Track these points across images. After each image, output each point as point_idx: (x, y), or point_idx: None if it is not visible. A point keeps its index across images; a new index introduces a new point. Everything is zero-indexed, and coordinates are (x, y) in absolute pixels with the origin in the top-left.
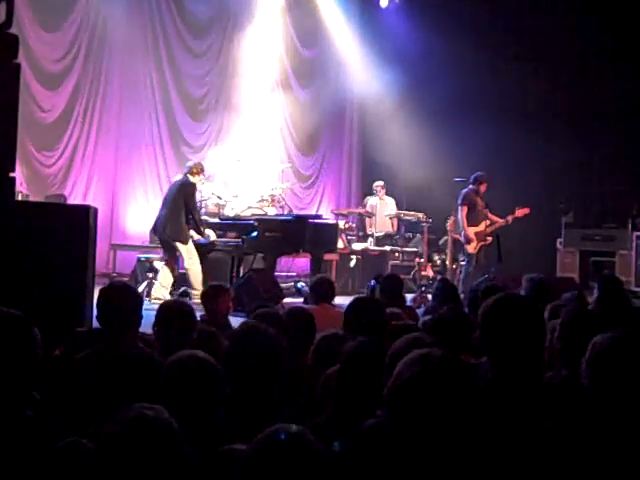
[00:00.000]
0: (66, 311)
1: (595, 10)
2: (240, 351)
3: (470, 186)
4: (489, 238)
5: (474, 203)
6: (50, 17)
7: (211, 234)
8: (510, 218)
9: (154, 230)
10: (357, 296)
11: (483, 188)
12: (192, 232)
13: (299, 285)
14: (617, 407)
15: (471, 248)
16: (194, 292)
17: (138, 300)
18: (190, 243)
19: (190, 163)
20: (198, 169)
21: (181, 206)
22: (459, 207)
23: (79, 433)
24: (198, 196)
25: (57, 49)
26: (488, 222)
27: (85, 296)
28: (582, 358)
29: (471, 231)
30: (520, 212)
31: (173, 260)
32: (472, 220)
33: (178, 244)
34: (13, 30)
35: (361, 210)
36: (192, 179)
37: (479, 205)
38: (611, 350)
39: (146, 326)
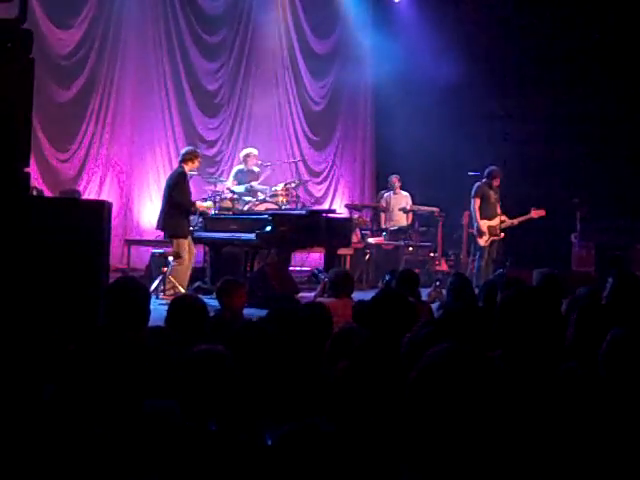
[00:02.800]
0: (81, 306)
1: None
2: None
3: (483, 180)
4: (501, 233)
5: (487, 196)
6: (62, 13)
7: (201, 206)
8: (523, 219)
9: (157, 226)
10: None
11: (496, 182)
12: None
13: (316, 271)
14: (632, 398)
15: (482, 241)
16: (182, 289)
17: (145, 295)
18: (186, 240)
19: (183, 151)
20: (190, 156)
21: (173, 199)
22: (472, 200)
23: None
24: (211, 190)
25: (70, 45)
26: (502, 217)
27: (100, 291)
28: (599, 350)
29: (484, 224)
30: (535, 213)
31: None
32: (485, 213)
33: (173, 239)
34: (27, 26)
35: (375, 204)
36: (185, 167)
37: (492, 199)
38: (628, 343)
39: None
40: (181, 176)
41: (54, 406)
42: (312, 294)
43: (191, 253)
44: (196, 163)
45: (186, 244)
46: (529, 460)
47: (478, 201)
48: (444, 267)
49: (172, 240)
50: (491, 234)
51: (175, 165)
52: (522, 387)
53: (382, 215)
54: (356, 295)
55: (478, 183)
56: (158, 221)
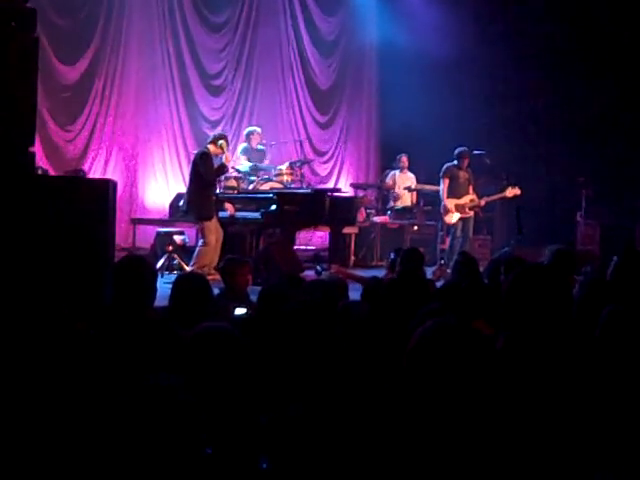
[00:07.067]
0: (87, 285)
1: None
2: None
3: (454, 162)
4: (469, 211)
5: (456, 177)
6: None
7: (230, 208)
8: (495, 197)
9: (182, 207)
10: None
11: (465, 162)
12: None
13: (319, 268)
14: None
15: (449, 219)
16: (187, 267)
17: (152, 274)
18: (213, 221)
19: (213, 133)
20: (214, 139)
21: (198, 179)
22: (440, 180)
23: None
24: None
25: (74, 24)
26: (471, 197)
27: (105, 270)
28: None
29: (450, 202)
30: (510, 192)
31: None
32: (453, 192)
33: (200, 222)
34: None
35: (380, 183)
36: (209, 148)
37: (461, 179)
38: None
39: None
40: (203, 155)
41: (64, 381)
42: (311, 273)
43: (218, 234)
44: (218, 149)
45: (212, 226)
46: (532, 438)
47: (447, 181)
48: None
49: (197, 221)
50: (458, 212)
51: (179, 143)
52: (529, 365)
53: (391, 193)
54: (360, 274)
55: (447, 164)
56: (183, 203)
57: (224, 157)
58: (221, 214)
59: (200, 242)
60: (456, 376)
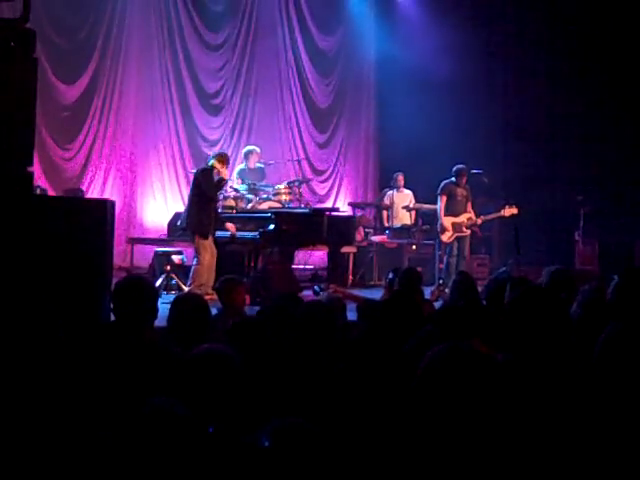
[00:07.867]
0: (84, 305)
1: None
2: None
3: (452, 179)
4: (466, 230)
5: (453, 194)
6: (65, 13)
7: (231, 227)
8: (493, 216)
9: (181, 223)
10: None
11: (464, 180)
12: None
13: (316, 288)
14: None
15: (445, 237)
16: (185, 287)
17: (153, 293)
18: (209, 240)
19: (214, 153)
20: (219, 158)
21: (199, 196)
22: (438, 197)
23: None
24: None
25: (73, 43)
26: (469, 215)
27: (103, 290)
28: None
29: (447, 221)
30: (507, 212)
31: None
32: (451, 210)
33: (196, 237)
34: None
35: (378, 202)
36: (213, 163)
37: (459, 196)
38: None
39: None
40: (205, 171)
41: (58, 403)
42: (310, 293)
43: (213, 253)
44: (219, 167)
45: (207, 244)
46: (534, 456)
47: (444, 198)
48: None
49: (194, 237)
50: (455, 231)
51: (178, 162)
52: (532, 387)
53: (384, 213)
54: (359, 293)
55: (445, 181)
56: (182, 219)
57: (222, 173)
58: (222, 233)
59: (195, 261)
60: (468, 399)
